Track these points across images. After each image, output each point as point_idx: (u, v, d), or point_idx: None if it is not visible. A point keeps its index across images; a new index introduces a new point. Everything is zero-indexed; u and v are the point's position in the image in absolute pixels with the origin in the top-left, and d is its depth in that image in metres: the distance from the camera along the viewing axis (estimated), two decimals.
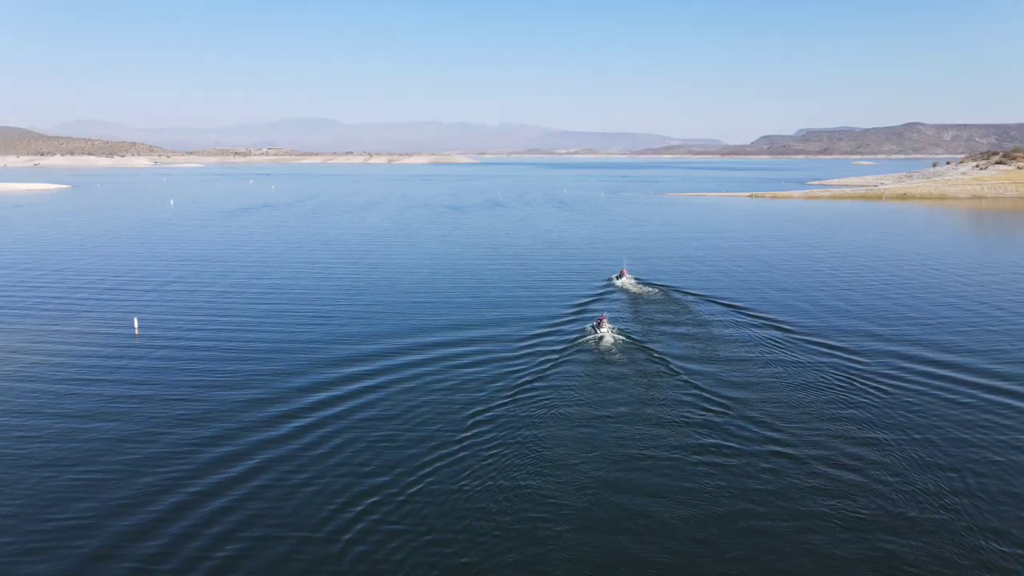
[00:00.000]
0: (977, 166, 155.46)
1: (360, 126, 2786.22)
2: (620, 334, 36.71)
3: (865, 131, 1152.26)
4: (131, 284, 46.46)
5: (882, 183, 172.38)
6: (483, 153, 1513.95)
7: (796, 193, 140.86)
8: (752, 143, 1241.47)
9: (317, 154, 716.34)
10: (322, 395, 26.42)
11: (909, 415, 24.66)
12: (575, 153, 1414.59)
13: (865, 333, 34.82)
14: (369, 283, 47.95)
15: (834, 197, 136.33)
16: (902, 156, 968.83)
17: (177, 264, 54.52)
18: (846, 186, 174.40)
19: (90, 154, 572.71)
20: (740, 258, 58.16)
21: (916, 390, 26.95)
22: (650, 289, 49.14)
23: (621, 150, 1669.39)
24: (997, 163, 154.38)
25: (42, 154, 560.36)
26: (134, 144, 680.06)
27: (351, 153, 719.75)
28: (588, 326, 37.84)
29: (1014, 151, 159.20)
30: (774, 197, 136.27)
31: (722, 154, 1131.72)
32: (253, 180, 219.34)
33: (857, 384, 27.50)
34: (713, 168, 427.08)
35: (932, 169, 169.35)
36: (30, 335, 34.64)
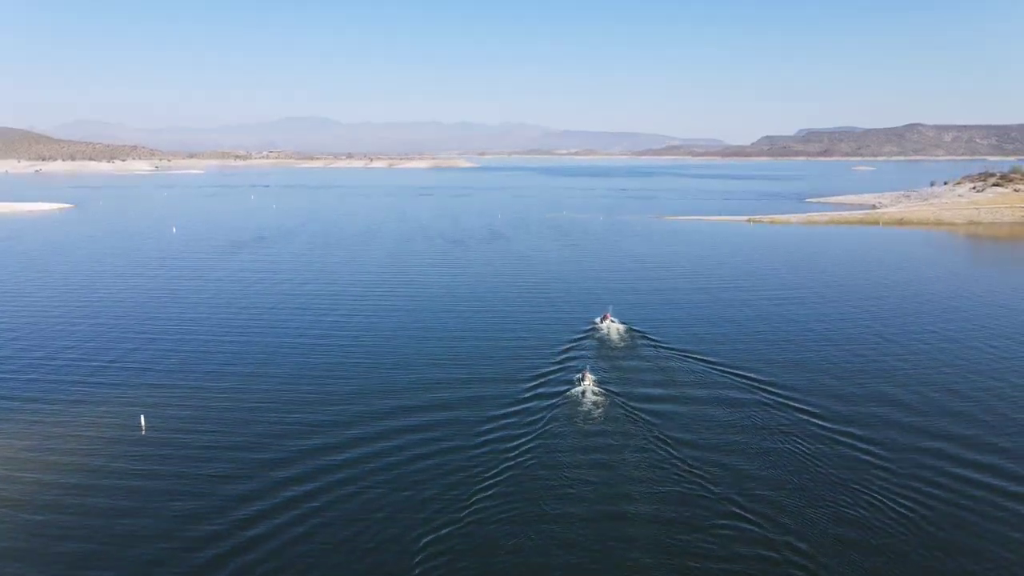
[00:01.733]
0: (974, 188, 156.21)
1: (360, 126, 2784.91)
2: (601, 387, 39.89)
3: (866, 132, 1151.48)
4: (133, 367, 46.68)
5: (880, 202, 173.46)
6: (483, 153, 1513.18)
7: (794, 217, 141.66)
8: (752, 144, 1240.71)
9: (317, 157, 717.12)
10: (313, 483, 27.51)
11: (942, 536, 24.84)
12: (576, 154, 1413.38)
13: (855, 400, 35.16)
14: (361, 348, 48.29)
15: (832, 222, 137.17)
16: (902, 158, 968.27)
17: (177, 333, 54.86)
18: (844, 205, 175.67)
19: (91, 159, 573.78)
20: (732, 310, 58.73)
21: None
22: (632, 335, 52.00)
23: (622, 150, 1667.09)
24: (994, 185, 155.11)
25: (43, 159, 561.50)
26: (135, 148, 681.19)
27: (351, 156, 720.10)
28: (575, 378, 40.99)
29: (1012, 172, 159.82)
30: (772, 222, 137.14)
31: (723, 155, 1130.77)
32: (254, 196, 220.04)
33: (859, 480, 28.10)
34: (713, 176, 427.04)
35: (929, 189, 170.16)
36: (28, 433, 35.33)
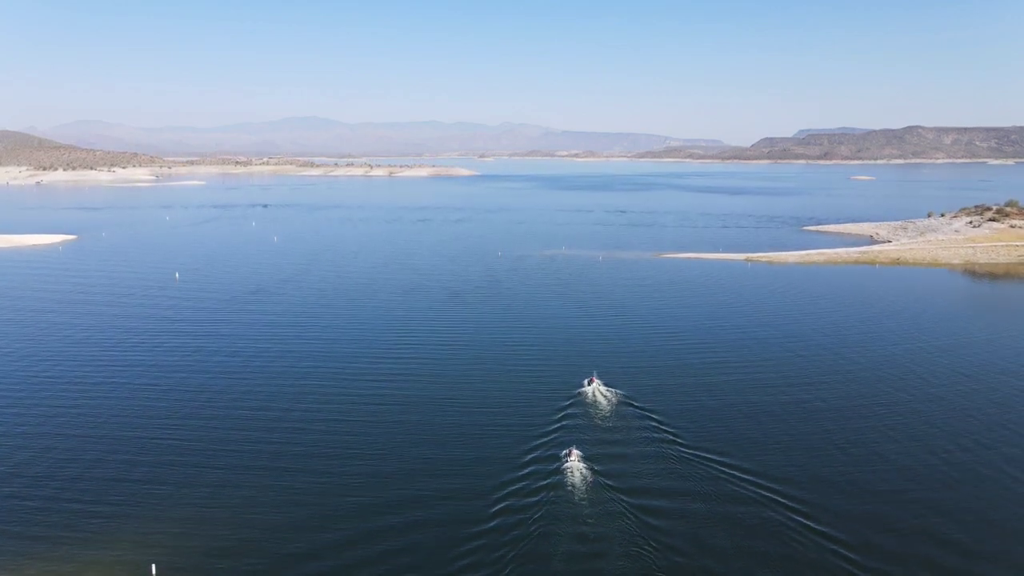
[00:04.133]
0: (971, 223, 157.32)
1: (361, 125, 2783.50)
2: (586, 464, 42.69)
3: (866, 134, 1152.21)
4: (143, 514, 44.95)
5: (877, 233, 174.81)
6: (484, 155, 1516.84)
7: (791, 256, 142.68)
8: (752, 146, 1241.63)
9: (317, 165, 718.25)
10: None
11: None
12: (575, 155, 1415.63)
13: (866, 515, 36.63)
14: (346, 440, 48.73)
15: (829, 261, 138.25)
16: (902, 160, 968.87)
17: (176, 446, 54.79)
18: (842, 236, 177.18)
19: (91, 167, 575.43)
20: (725, 379, 58.75)
21: None
22: (618, 401, 54.81)
23: (621, 151, 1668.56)
24: (990, 220, 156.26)
25: (44, 167, 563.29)
26: (135, 155, 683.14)
27: (351, 164, 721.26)
28: (562, 454, 44.22)
29: (1007, 206, 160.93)
30: (770, 261, 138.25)
31: (723, 158, 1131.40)
32: (255, 222, 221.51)
33: None
34: (713, 189, 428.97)
35: (926, 222, 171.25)
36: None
